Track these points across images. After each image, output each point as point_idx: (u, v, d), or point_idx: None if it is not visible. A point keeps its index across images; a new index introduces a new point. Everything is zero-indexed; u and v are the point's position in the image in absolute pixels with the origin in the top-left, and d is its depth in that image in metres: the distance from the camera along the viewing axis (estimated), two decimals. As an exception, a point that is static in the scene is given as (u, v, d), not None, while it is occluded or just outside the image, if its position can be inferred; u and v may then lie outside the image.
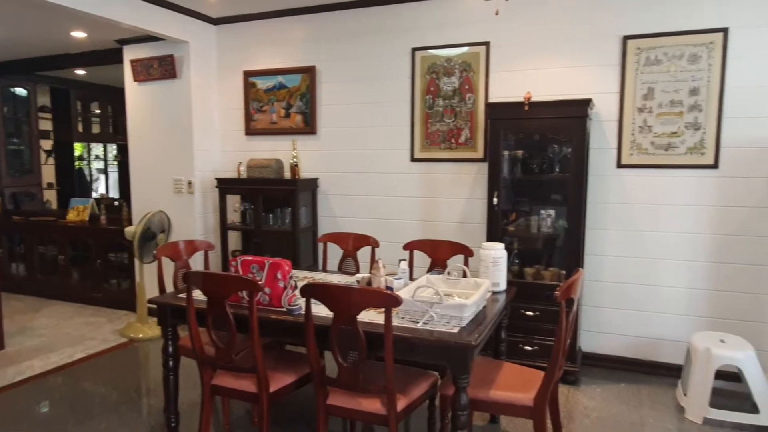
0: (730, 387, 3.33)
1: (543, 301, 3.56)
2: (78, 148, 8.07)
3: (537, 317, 3.62)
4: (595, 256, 3.87)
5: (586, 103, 3.44)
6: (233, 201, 4.78)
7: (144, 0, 4.20)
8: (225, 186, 4.65)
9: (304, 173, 4.68)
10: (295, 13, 4.58)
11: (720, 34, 3.45)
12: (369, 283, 2.83)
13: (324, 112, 4.63)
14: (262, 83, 4.80)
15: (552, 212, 3.72)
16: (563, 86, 3.82)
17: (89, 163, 8.59)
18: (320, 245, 4.01)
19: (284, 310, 2.54)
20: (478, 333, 2.23)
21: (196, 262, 4.15)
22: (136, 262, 4.77)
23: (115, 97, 6.96)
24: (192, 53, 4.73)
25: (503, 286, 2.89)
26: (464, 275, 2.80)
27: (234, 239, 4.94)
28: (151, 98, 4.97)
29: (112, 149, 8.86)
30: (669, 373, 3.71)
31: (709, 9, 3.47)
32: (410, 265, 3.39)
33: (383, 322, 2.14)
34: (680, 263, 3.68)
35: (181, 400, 2.98)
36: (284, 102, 4.74)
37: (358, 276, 3.08)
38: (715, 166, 3.54)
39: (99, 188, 8.79)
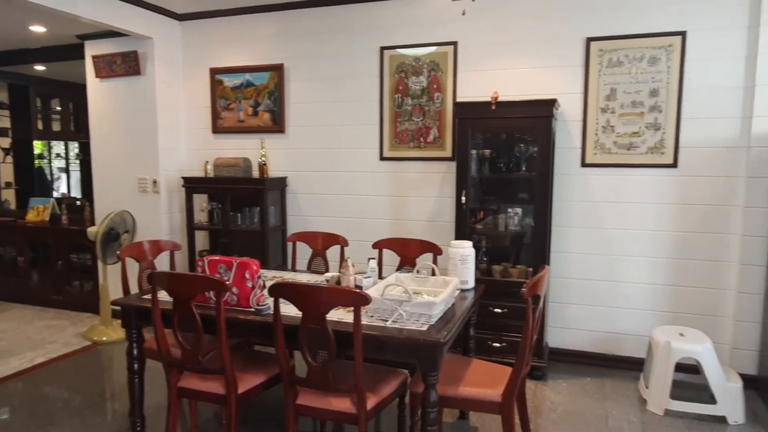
0: (689, 379, 3.45)
1: (511, 298, 3.61)
2: (38, 146, 7.80)
3: (505, 314, 3.67)
4: (560, 254, 3.95)
5: (552, 103, 3.50)
6: (200, 200, 4.71)
7: (106, -6, 4.10)
8: (192, 185, 4.58)
9: (273, 172, 4.65)
10: (263, 11, 4.54)
11: (678, 37, 3.55)
12: (338, 282, 2.82)
13: (293, 111, 4.60)
14: (229, 81, 4.74)
15: (519, 210, 3.77)
16: (529, 86, 3.88)
17: (50, 161, 8.33)
18: (289, 245, 3.99)
19: (252, 310, 2.52)
20: (447, 330, 2.26)
21: (162, 263, 4.08)
22: (99, 264, 4.66)
23: (76, 94, 6.74)
24: (156, 49, 4.64)
25: (471, 283, 2.92)
26: (433, 273, 2.83)
27: (201, 239, 4.87)
28: (115, 95, 4.85)
29: (74, 147, 8.61)
30: (632, 367, 3.82)
31: (668, 13, 3.57)
32: (379, 264, 3.41)
33: (352, 321, 2.14)
34: (642, 260, 3.78)
35: (147, 404, 2.92)
36: (252, 100, 4.69)
37: (328, 275, 3.08)
38: (674, 165, 3.65)
39: (60, 187, 8.53)
